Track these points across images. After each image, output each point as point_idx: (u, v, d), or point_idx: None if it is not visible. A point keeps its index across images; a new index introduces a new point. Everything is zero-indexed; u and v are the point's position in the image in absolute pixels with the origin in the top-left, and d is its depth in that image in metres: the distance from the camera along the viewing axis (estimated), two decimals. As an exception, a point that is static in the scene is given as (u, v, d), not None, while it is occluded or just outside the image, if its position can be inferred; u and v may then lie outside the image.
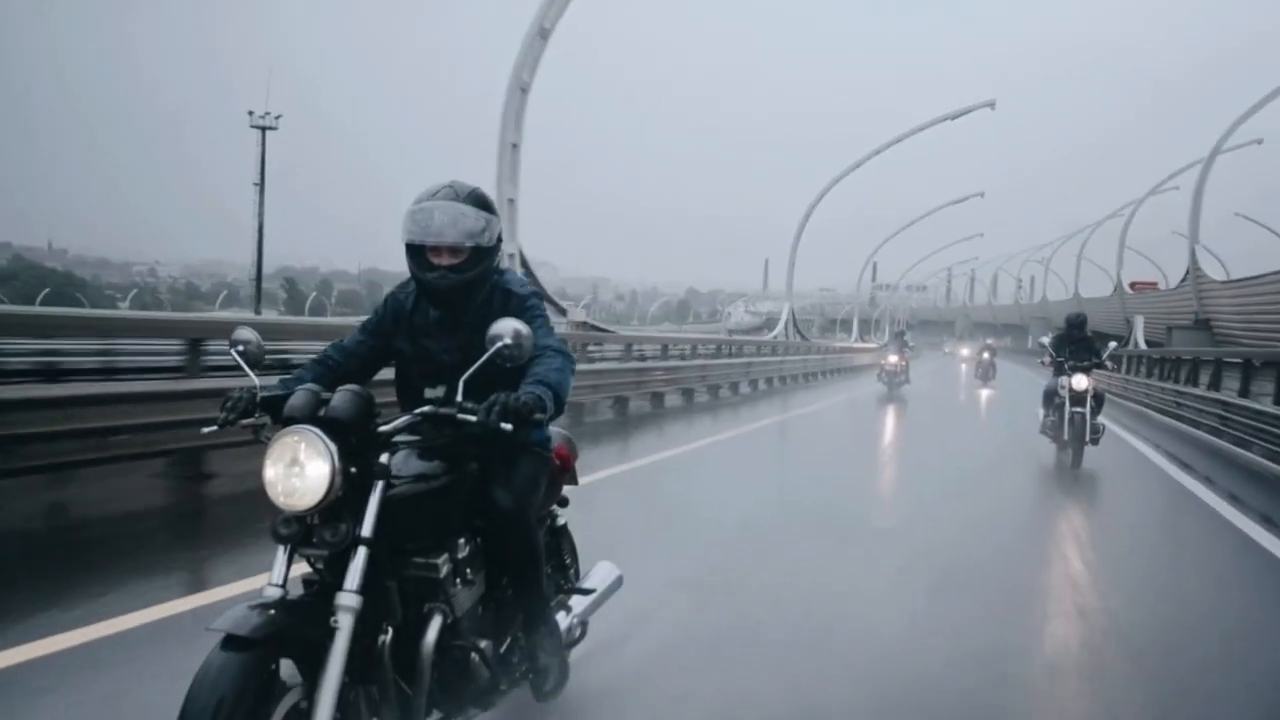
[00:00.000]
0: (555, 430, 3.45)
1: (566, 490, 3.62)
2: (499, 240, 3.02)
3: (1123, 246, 55.79)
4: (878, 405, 20.95)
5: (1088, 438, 10.88)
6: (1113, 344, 13.01)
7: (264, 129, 37.61)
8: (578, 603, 3.54)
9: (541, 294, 3.01)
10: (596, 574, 3.75)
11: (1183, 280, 40.30)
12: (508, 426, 2.57)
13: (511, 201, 17.24)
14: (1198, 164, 40.29)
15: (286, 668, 2.35)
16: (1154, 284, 53.52)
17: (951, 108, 36.29)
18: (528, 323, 2.87)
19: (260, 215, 39.92)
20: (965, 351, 44.22)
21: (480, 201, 2.96)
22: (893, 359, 24.73)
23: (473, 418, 2.58)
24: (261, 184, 38.79)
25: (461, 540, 2.85)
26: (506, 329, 2.66)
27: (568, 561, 3.68)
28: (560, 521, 3.64)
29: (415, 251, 2.93)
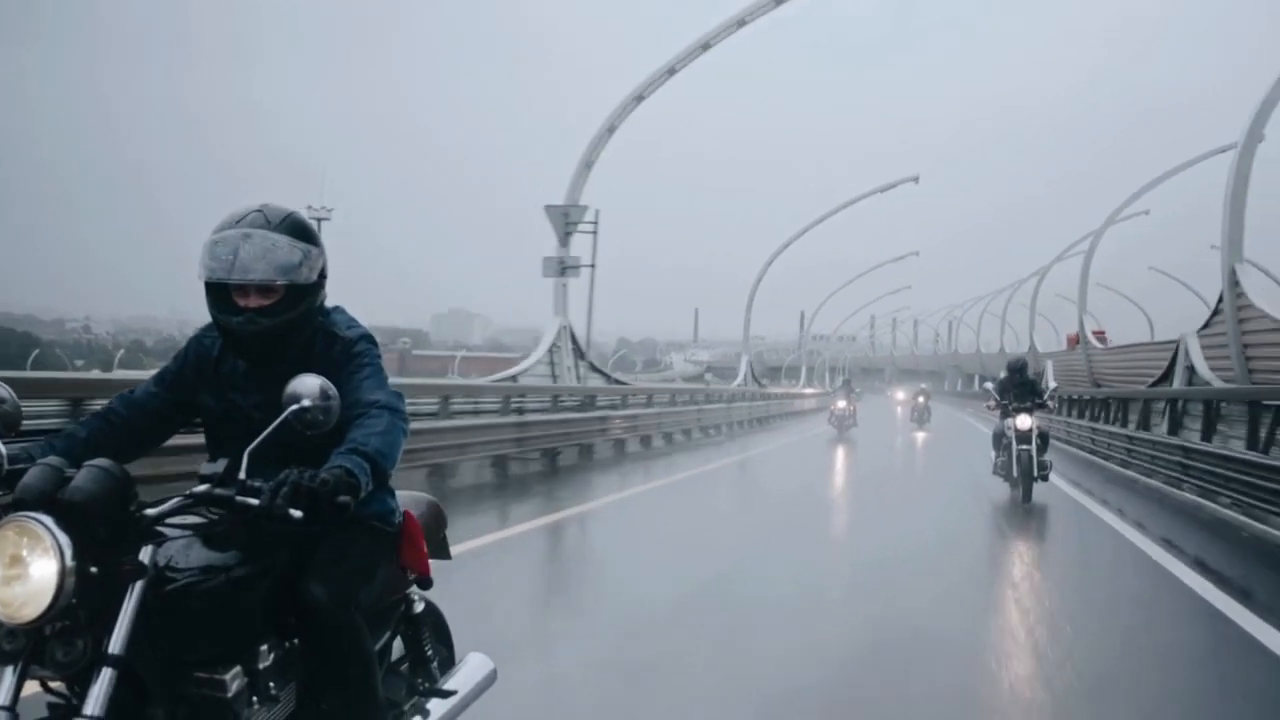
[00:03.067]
0: (409, 495, 2.97)
1: (439, 566, 2.99)
2: (322, 275, 2.51)
3: (1034, 310, 60.69)
4: (829, 445, 23.09)
5: (1035, 474, 11.37)
6: (1053, 384, 13.88)
7: (319, 220, 42.84)
8: (437, 706, 2.95)
9: (372, 337, 2.61)
10: (464, 670, 3.18)
11: (1071, 347, 46.05)
12: (297, 514, 2.06)
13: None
14: (1088, 238, 46.02)
15: None
16: (1102, 332, 53.07)
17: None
18: (354, 371, 2.46)
19: None
20: (900, 395, 46.93)
21: (297, 229, 2.45)
22: (841, 404, 27.16)
23: (255, 501, 2.08)
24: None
25: (264, 647, 2.27)
26: (307, 388, 2.20)
27: (429, 654, 3.05)
28: (419, 607, 3.03)
29: (217, 291, 2.40)
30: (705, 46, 20.92)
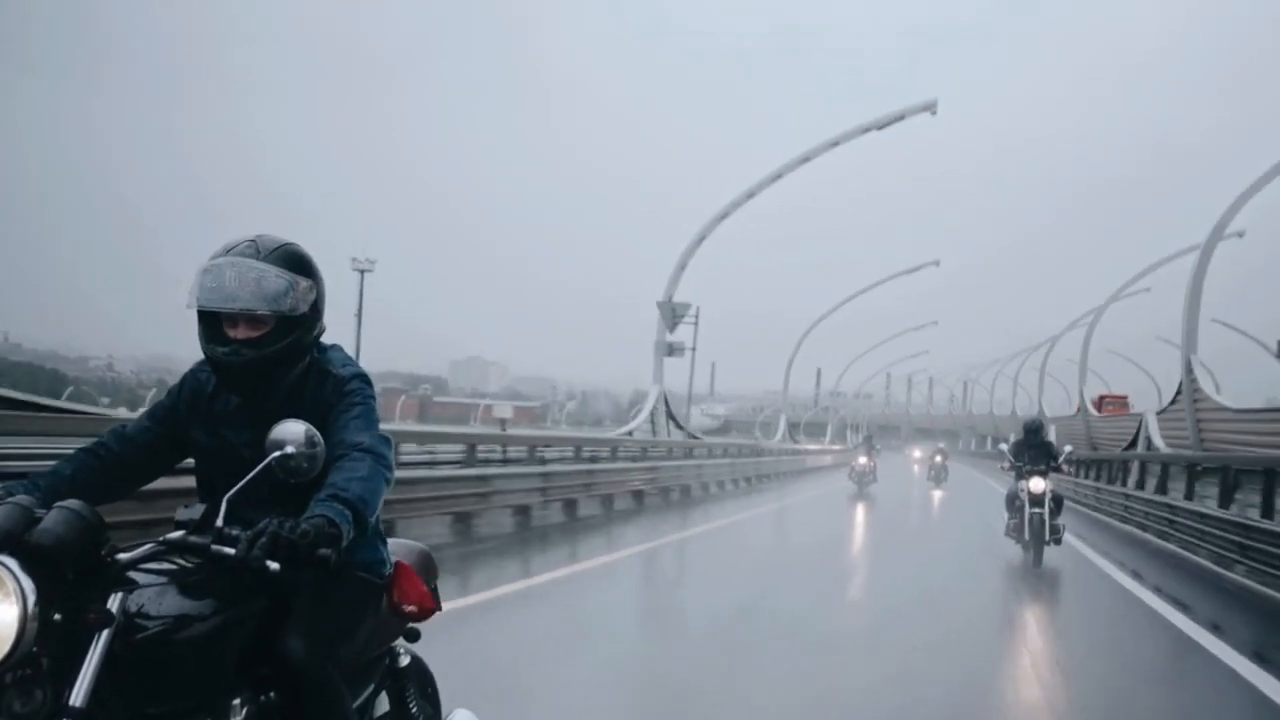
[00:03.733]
0: (401, 543, 2.91)
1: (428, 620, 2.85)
2: (316, 310, 2.45)
3: (1043, 377, 61.26)
4: (852, 500, 23.87)
5: (1047, 538, 11.29)
6: (1068, 448, 13.74)
7: (362, 271, 44.14)
8: None
9: (367, 377, 2.57)
10: None
11: (1075, 413, 48.77)
12: (275, 566, 2.00)
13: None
14: (1092, 314, 47.65)
15: None
16: (1124, 397, 52.61)
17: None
18: (344, 410, 2.40)
19: (358, 342, 44.45)
20: (917, 454, 47.12)
21: (288, 259, 2.39)
22: (863, 460, 27.49)
23: (231, 551, 2.02)
24: (360, 317, 44.60)
25: (237, 701, 2.18)
26: (291, 434, 2.17)
27: (414, 710, 2.95)
28: (404, 660, 2.94)
29: (207, 321, 2.36)
30: (776, 177, 27.10)
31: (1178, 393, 25.82)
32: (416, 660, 3.02)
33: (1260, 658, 6.79)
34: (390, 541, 2.74)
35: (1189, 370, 24.94)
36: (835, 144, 27.26)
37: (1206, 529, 12.50)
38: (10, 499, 2.02)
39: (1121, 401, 51.23)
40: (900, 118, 27.00)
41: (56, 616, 1.86)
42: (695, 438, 28.55)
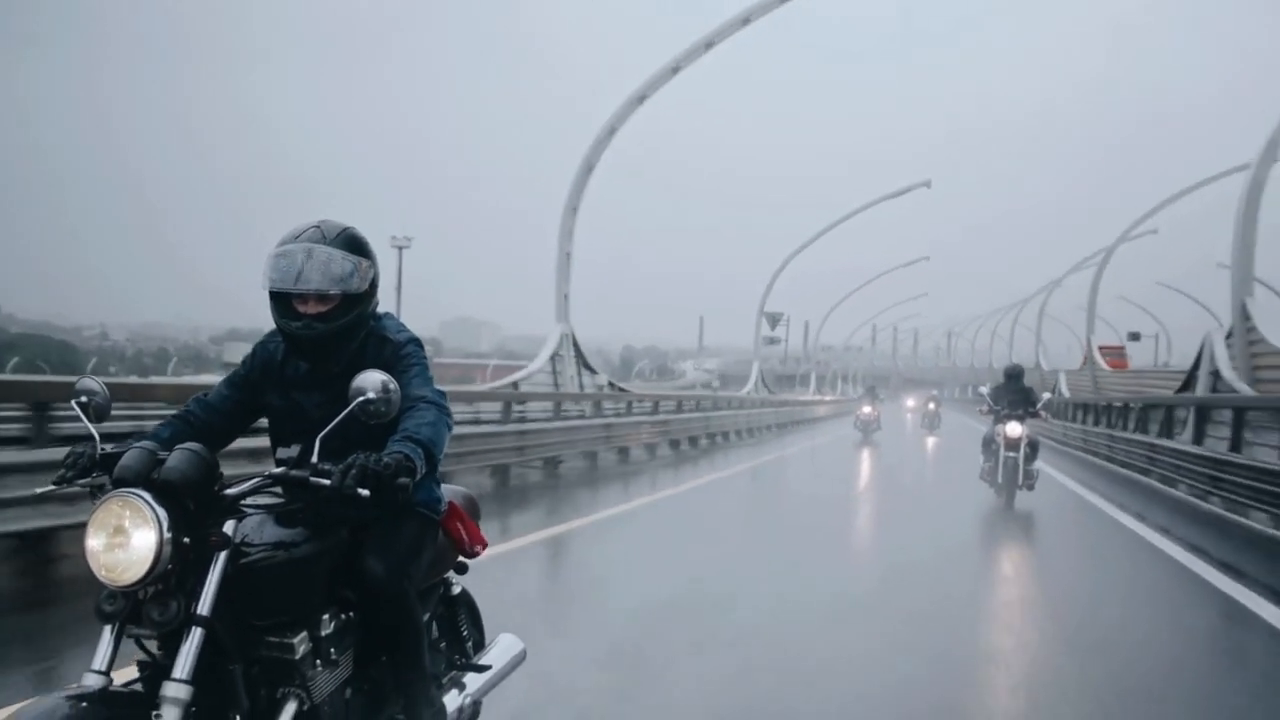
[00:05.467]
0: (451, 488, 3.25)
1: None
2: (373, 285, 2.80)
3: (1040, 330, 61.13)
4: (860, 446, 25.07)
5: (1020, 482, 11.45)
6: (1046, 395, 13.74)
7: (400, 248, 46.22)
8: (472, 680, 3.24)
9: (419, 340, 2.92)
10: (496, 648, 3.46)
11: (1082, 365, 48.54)
12: (365, 492, 2.33)
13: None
14: (1097, 255, 47.11)
15: None
16: (1121, 347, 52.96)
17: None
18: (404, 370, 2.72)
19: (398, 312, 45.53)
20: (910, 403, 47.47)
21: (351, 243, 2.71)
22: (867, 409, 28.48)
23: (326, 481, 2.35)
24: (399, 292, 46.26)
25: (325, 616, 2.55)
26: (371, 382, 2.44)
27: (464, 634, 3.37)
28: (456, 590, 3.35)
29: (279, 299, 2.68)
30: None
31: (1229, 335, 19.49)
32: (464, 591, 3.41)
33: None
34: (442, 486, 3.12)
35: (1243, 314, 19.31)
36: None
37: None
38: (137, 444, 2.36)
39: (1118, 352, 49.71)
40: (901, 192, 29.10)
41: (185, 540, 2.21)
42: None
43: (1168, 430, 16.21)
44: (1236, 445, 11.90)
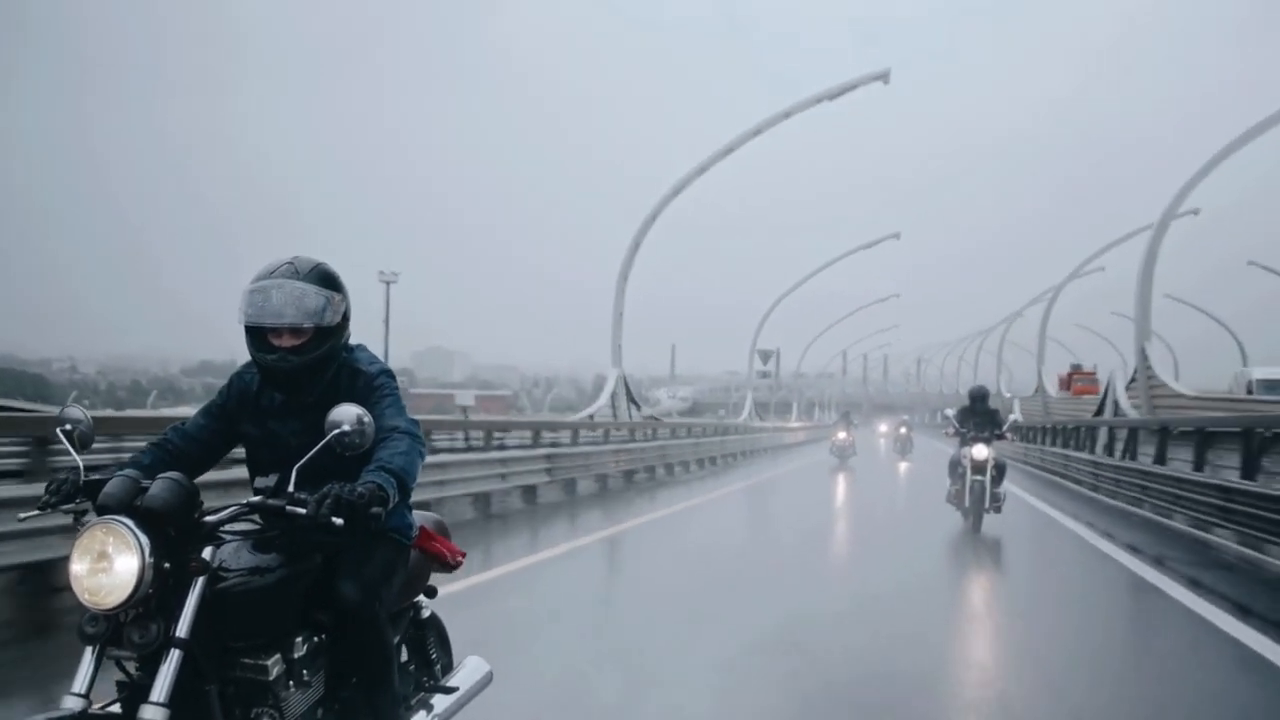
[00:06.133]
0: (422, 514, 3.34)
1: (440, 577, 3.42)
2: (345, 318, 2.88)
3: (1001, 353, 63.30)
4: (836, 471, 25.77)
5: (987, 505, 11.30)
6: (1013, 416, 13.76)
7: (388, 283, 48.82)
8: (440, 702, 3.32)
9: (391, 371, 3.01)
10: (463, 670, 3.54)
11: (1034, 393, 52.92)
12: (339, 521, 2.42)
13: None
14: (1048, 293, 49.64)
15: None
16: (1093, 373, 54.07)
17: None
18: (377, 401, 2.80)
19: (386, 346, 47.58)
20: (883, 428, 47.99)
21: (323, 278, 2.81)
22: (842, 435, 29.04)
23: (302, 510, 2.44)
24: (387, 325, 48.21)
25: (299, 638, 2.65)
26: (347, 415, 2.53)
27: (433, 656, 3.46)
28: (426, 613, 3.44)
29: (254, 333, 2.77)
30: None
31: (1132, 379, 27.59)
32: (434, 615, 3.51)
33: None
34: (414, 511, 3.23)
35: (1143, 356, 27.33)
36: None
37: (1147, 484, 14.25)
38: (120, 472, 2.46)
39: (1090, 378, 52.07)
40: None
41: (166, 565, 2.31)
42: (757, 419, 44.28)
43: (1090, 445, 21.26)
44: (1132, 453, 16.85)
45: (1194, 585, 8.19)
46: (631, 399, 26.95)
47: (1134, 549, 10.50)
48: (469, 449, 15.02)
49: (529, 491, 13.87)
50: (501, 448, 15.62)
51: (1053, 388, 54.65)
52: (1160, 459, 14.82)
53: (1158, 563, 9.54)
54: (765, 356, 49.17)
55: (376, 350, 3.16)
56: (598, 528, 12.07)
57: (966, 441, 11.66)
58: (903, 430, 33.95)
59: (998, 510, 11.51)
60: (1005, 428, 12.27)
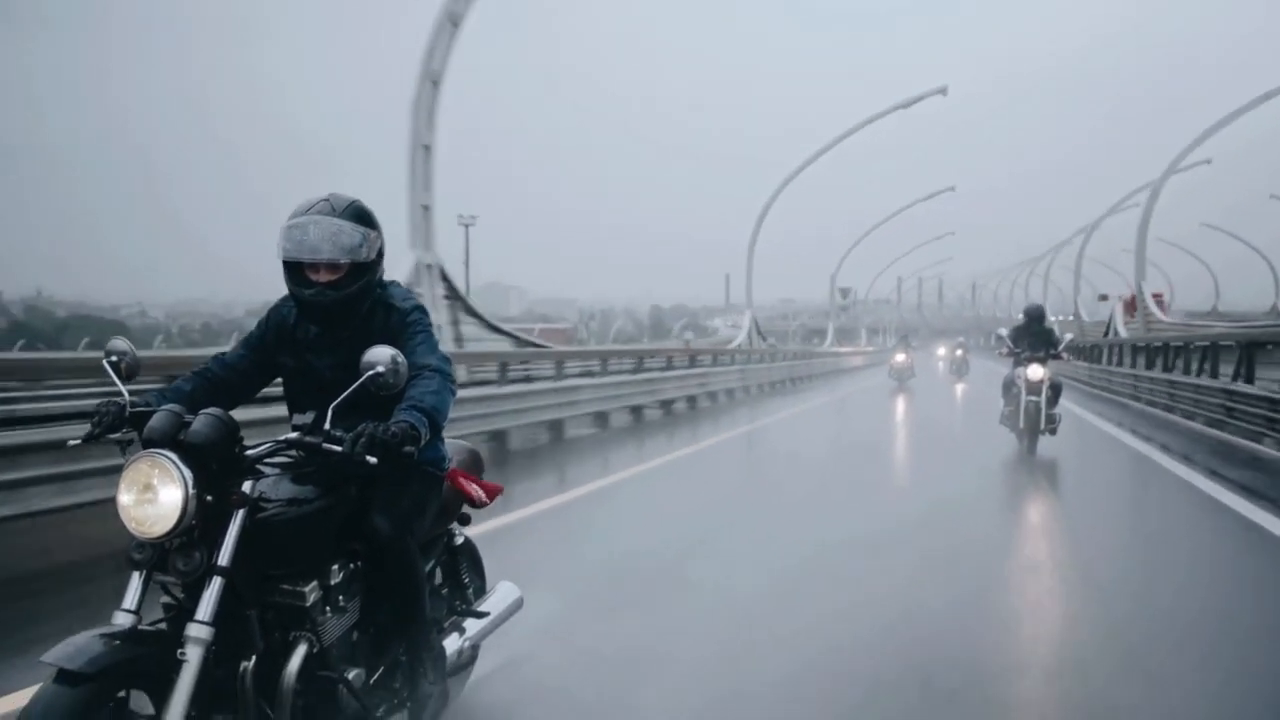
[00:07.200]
0: (455, 443, 3.41)
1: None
2: (380, 254, 2.94)
3: (1078, 274, 60.20)
4: (897, 391, 26.94)
5: (1043, 427, 10.92)
6: (1069, 335, 13.37)
7: (466, 225, 53.53)
8: (471, 625, 3.43)
9: (424, 308, 3.07)
10: (495, 595, 3.65)
11: (1132, 311, 51.30)
12: (373, 460, 2.51)
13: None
14: (1135, 194, 46.73)
15: (141, 698, 2.32)
16: (1160, 295, 49.91)
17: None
18: (410, 337, 2.86)
19: (467, 285, 48.91)
20: (941, 351, 47.69)
21: (359, 215, 2.87)
22: (901, 358, 29.83)
23: (338, 448, 2.52)
24: (466, 265, 50.84)
25: (335, 566, 2.75)
26: (380, 357, 2.59)
27: (466, 581, 3.58)
28: (459, 540, 3.54)
29: (292, 268, 2.84)
30: None
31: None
32: (467, 540, 3.62)
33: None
34: (448, 442, 3.31)
35: (1141, 292, 35.59)
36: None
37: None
38: (164, 406, 2.57)
39: (1159, 300, 49.81)
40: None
41: (208, 497, 2.42)
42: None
43: (1118, 360, 25.02)
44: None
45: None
46: (760, 333, 34.20)
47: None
48: (598, 374, 16.85)
49: (667, 404, 18.80)
50: (614, 373, 17.59)
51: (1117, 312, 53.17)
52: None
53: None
54: (845, 293, 57.69)
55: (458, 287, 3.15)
56: (737, 425, 17.55)
57: (1021, 361, 11.24)
58: (959, 353, 34.10)
59: (1053, 432, 11.10)
60: (1062, 346, 11.81)
